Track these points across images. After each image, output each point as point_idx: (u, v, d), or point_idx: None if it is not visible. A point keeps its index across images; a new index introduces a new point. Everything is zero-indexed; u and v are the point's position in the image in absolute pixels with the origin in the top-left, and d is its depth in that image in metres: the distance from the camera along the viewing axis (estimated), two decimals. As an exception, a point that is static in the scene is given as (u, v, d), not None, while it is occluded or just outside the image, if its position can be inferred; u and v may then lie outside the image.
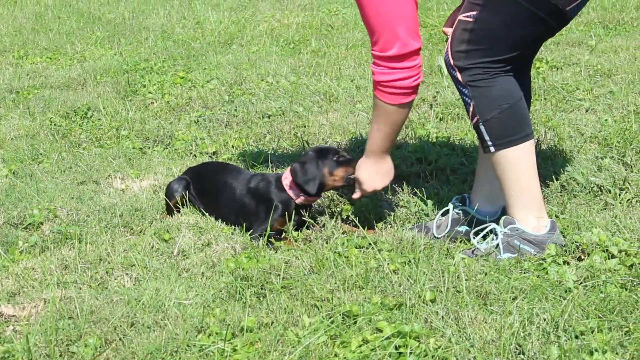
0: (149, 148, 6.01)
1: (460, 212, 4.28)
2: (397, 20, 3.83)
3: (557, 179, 4.67)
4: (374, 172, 4.24)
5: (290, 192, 4.41)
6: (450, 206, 4.31)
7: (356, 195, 4.34)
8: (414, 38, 3.87)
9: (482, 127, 3.86)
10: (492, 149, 3.86)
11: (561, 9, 3.73)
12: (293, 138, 5.83)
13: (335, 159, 4.34)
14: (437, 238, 4.22)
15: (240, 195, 4.55)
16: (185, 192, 4.73)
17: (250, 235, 4.39)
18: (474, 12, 3.78)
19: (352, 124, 5.95)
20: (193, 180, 4.79)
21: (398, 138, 5.50)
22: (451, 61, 3.87)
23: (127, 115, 6.65)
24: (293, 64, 8.04)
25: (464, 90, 3.86)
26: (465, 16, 3.82)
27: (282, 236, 4.39)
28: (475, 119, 3.86)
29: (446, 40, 4.13)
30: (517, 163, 3.87)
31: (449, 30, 4.04)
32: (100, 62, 8.64)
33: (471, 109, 3.86)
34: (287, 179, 4.42)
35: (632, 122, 5.49)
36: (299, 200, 4.42)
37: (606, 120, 5.65)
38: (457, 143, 5.39)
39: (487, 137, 3.86)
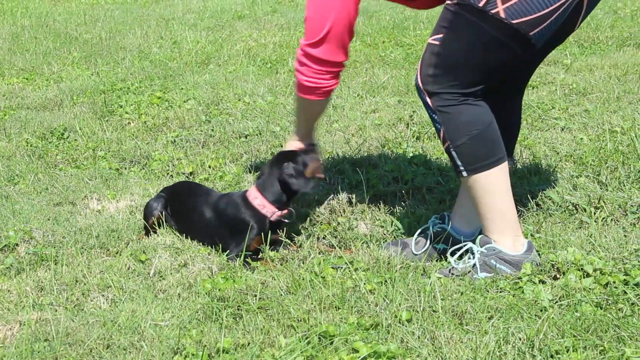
0: (125, 169, 6.00)
1: (440, 229, 4.29)
2: (347, 29, 4.16)
3: (532, 198, 4.69)
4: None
5: (264, 211, 4.40)
6: (431, 223, 4.32)
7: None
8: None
9: (453, 152, 3.86)
10: (464, 173, 3.88)
11: (523, 34, 3.68)
12: (270, 158, 5.83)
13: (295, 164, 4.38)
14: (416, 255, 4.23)
15: (214, 217, 4.52)
16: (164, 211, 4.72)
17: (227, 255, 4.37)
18: (441, 35, 3.78)
19: (329, 143, 5.96)
20: (170, 199, 4.78)
21: (374, 158, 5.52)
22: (421, 85, 3.87)
23: (104, 136, 6.64)
24: (270, 83, 8.05)
25: (433, 115, 3.86)
26: (433, 39, 3.82)
27: (259, 256, 4.39)
28: (447, 143, 3.86)
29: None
30: (490, 187, 3.87)
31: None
32: (77, 83, 8.62)
33: (442, 134, 3.87)
34: (257, 199, 4.41)
35: (607, 140, 5.52)
36: (274, 217, 4.41)
37: (581, 139, 5.68)
38: (433, 162, 5.41)
39: (458, 162, 3.87)
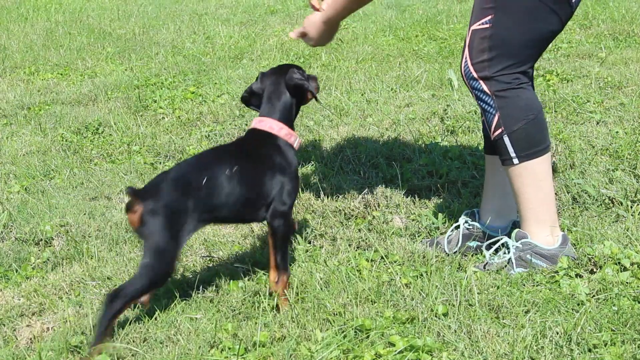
0: (160, 163, 6.02)
1: (471, 227, 4.28)
2: None
3: (568, 192, 4.67)
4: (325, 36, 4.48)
5: (292, 140, 3.82)
6: (461, 221, 4.30)
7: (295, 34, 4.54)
8: None
9: (505, 139, 3.82)
10: (515, 161, 3.84)
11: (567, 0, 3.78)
12: (304, 152, 5.84)
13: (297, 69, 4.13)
14: (449, 254, 4.21)
15: (251, 168, 3.70)
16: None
17: (274, 214, 3.68)
18: (489, 17, 3.77)
19: (363, 138, 5.95)
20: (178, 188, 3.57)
21: (408, 152, 5.51)
22: (473, 74, 3.83)
23: (138, 131, 6.67)
24: (303, 78, 8.03)
25: (488, 100, 3.82)
26: (479, 24, 3.80)
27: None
28: (499, 130, 3.83)
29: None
30: (538, 176, 3.85)
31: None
32: (111, 78, 8.65)
33: (495, 120, 3.82)
34: (283, 129, 3.80)
35: (643, 134, 5.49)
36: (297, 146, 3.85)
37: (617, 132, 5.65)
38: (468, 156, 5.39)
39: (510, 149, 3.83)
